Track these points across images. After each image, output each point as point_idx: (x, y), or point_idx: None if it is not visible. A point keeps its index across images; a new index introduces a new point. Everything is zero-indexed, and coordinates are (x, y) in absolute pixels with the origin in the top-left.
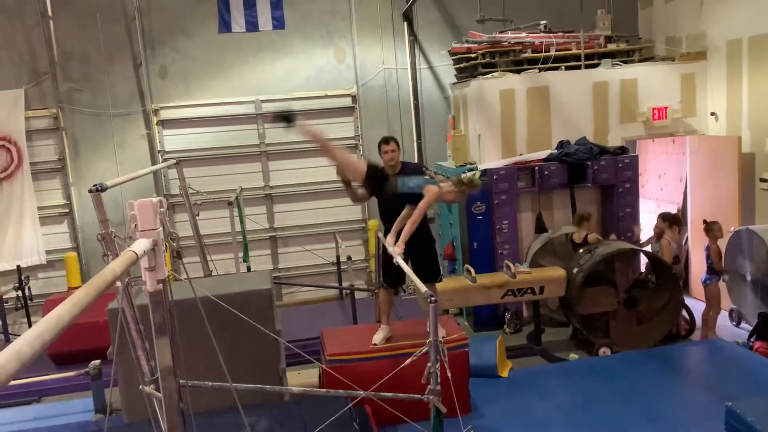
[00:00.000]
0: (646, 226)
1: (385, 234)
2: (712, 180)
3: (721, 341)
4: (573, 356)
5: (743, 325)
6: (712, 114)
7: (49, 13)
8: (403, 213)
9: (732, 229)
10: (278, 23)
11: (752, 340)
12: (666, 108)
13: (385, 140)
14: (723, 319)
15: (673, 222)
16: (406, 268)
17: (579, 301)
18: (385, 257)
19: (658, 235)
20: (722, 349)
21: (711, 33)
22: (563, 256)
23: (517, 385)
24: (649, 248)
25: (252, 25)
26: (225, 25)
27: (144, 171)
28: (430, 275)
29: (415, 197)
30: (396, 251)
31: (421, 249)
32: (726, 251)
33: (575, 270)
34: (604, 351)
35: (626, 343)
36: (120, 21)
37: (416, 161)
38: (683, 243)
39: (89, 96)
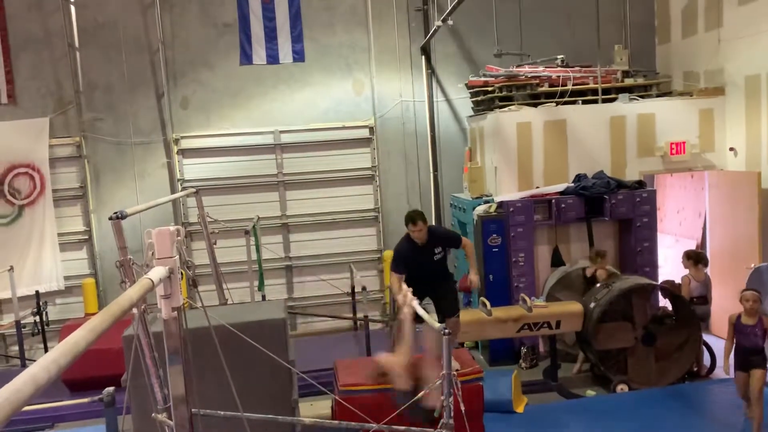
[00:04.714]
0: (664, 261)
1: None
2: (732, 215)
3: None
4: (590, 393)
5: None
6: (731, 149)
7: (76, 45)
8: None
9: (752, 265)
10: (298, 56)
11: None
12: (684, 143)
13: (413, 221)
14: None
15: (697, 260)
16: (422, 312)
17: (596, 337)
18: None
19: None
20: None
21: (729, 68)
22: (580, 290)
23: (532, 421)
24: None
25: (273, 58)
26: (246, 58)
27: (163, 199)
28: (451, 310)
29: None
30: (406, 304)
31: (440, 287)
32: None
33: (592, 305)
34: (621, 388)
35: (644, 380)
36: (144, 53)
37: (434, 197)
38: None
39: (112, 125)
